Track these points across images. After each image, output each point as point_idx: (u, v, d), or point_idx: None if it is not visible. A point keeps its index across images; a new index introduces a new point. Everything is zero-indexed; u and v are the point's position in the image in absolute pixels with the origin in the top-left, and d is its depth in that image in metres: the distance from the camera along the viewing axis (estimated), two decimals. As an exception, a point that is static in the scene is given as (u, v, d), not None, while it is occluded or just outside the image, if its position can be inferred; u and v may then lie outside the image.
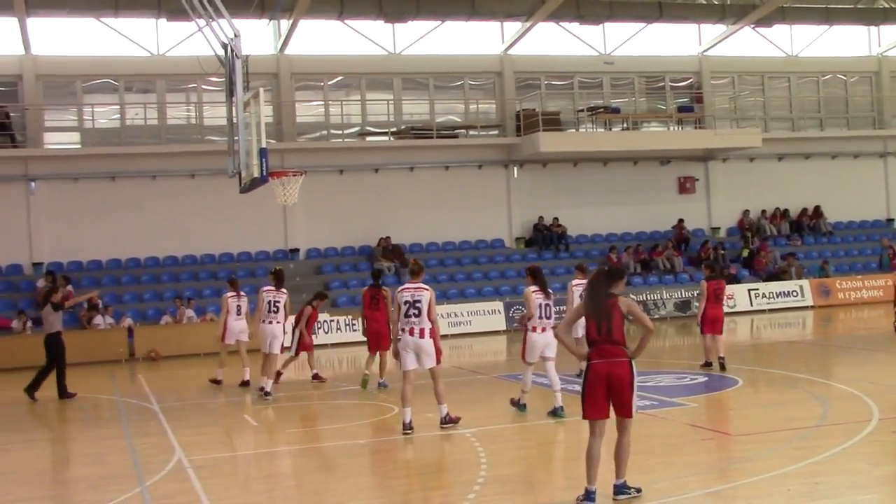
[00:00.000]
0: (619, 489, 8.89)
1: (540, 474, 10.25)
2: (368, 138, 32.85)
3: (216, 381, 18.81)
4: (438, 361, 12.82)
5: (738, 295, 30.82)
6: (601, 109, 33.52)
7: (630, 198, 34.05)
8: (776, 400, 14.95)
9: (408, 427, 12.70)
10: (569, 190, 33.46)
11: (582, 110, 33.77)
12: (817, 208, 36.02)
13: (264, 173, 16.33)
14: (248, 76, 17.36)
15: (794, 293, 31.44)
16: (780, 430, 12.21)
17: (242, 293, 19.17)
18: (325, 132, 32.75)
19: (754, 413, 13.72)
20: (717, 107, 35.44)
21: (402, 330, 12.76)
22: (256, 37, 30.49)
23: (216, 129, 29.36)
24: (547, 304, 13.43)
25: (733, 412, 14.00)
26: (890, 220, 37.09)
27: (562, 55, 34.34)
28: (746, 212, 35.38)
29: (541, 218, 33.07)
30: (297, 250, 31.11)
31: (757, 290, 31.16)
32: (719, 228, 35.23)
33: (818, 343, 23.79)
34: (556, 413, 13.28)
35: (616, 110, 34.06)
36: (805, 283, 31.69)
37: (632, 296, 29.82)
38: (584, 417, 8.86)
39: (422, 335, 12.65)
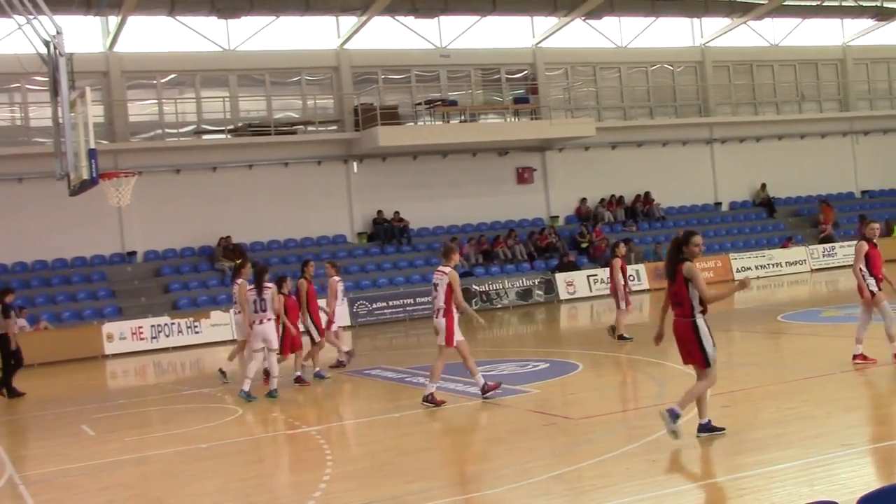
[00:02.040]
0: (700, 428, 10.15)
1: (386, 468, 10.25)
2: (205, 137, 32.20)
3: None
4: (448, 343, 13.45)
5: (577, 281, 31.62)
6: (439, 102, 33.74)
7: (470, 189, 34.40)
8: (615, 382, 15.41)
9: (427, 399, 13.40)
10: (409, 183, 33.59)
11: (420, 103, 33.94)
12: (648, 194, 37.17)
13: (94, 175, 15.93)
14: (75, 75, 16.85)
15: (632, 277, 32.13)
16: (619, 411, 12.58)
17: None
18: (159, 131, 31.94)
19: (594, 396, 14.06)
20: (551, 97, 36.15)
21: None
22: (84, 34, 29.54)
23: (43, 131, 28.14)
24: (262, 300, 15.31)
25: (574, 396, 14.30)
26: (718, 204, 38.58)
27: (398, 49, 34.43)
28: (584, 200, 36.19)
29: (380, 212, 33.09)
30: (134, 253, 30.27)
31: (595, 275, 31.84)
32: (558, 217, 35.94)
33: (654, 325, 24.49)
34: (247, 397, 15.03)
35: (453, 103, 34.33)
36: (641, 267, 32.62)
37: (475, 286, 30.38)
38: None
39: (436, 315, 13.67)
